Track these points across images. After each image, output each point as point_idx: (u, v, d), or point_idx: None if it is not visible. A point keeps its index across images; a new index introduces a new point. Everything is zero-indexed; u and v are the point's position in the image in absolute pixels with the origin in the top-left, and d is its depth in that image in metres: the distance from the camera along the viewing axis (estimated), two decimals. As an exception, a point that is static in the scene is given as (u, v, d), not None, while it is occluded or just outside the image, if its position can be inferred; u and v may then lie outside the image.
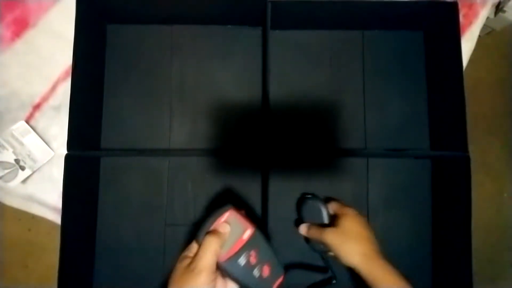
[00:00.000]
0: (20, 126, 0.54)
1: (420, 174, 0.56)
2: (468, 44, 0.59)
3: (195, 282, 0.35)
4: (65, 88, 0.56)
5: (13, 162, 0.54)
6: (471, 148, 0.48)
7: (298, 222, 0.53)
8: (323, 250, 0.50)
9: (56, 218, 0.55)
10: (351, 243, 0.46)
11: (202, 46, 0.56)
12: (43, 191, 0.55)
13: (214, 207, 0.53)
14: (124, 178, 0.54)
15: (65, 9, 0.57)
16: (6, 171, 0.54)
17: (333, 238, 0.47)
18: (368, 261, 0.45)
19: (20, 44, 0.57)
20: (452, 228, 0.51)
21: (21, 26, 0.57)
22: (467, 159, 0.48)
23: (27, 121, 0.55)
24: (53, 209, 0.55)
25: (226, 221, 0.39)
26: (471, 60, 0.59)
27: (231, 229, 0.39)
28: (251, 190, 0.54)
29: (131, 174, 0.54)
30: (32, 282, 1.18)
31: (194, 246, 0.38)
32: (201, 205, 0.54)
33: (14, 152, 0.54)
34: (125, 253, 0.54)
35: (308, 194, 0.52)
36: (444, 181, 0.53)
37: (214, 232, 0.38)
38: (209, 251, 0.36)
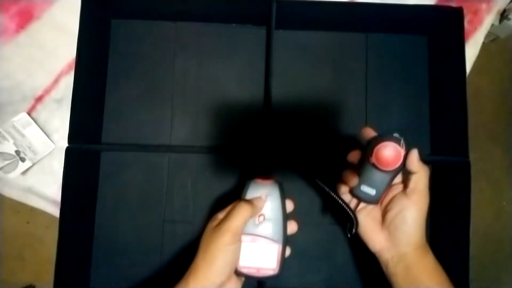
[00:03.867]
0: (21, 117, 0.55)
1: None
2: (472, 51, 0.59)
3: (219, 240, 0.38)
4: (68, 82, 0.56)
5: (14, 153, 0.54)
6: (471, 155, 0.48)
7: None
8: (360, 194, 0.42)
9: (55, 211, 0.55)
10: (420, 214, 0.41)
11: (206, 43, 0.56)
12: (42, 184, 0.55)
13: (213, 205, 0.54)
14: (124, 173, 0.54)
15: (70, 2, 0.57)
16: (6, 162, 0.54)
17: (416, 189, 0.40)
18: (421, 248, 0.41)
19: (24, 36, 0.57)
20: (450, 234, 0.51)
21: (25, 18, 0.57)
22: (467, 164, 0.48)
23: (28, 113, 0.55)
24: (52, 201, 0.55)
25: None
26: (474, 67, 0.59)
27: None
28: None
29: (131, 169, 0.54)
30: (29, 275, 1.19)
31: (226, 209, 0.41)
32: (200, 203, 0.54)
33: (14, 144, 0.54)
34: (123, 248, 0.54)
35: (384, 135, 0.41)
36: (444, 186, 0.53)
37: (250, 202, 0.40)
38: (240, 216, 0.38)
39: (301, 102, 0.56)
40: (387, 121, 0.56)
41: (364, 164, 0.41)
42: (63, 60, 0.57)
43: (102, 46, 0.55)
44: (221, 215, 0.41)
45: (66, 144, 0.48)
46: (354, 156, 0.43)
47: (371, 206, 0.44)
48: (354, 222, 0.42)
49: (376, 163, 0.39)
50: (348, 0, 0.58)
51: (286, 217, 0.41)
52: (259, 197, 0.41)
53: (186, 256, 0.53)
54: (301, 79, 0.56)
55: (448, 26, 0.53)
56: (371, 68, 0.56)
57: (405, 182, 0.42)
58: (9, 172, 0.54)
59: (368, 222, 0.44)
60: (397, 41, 0.57)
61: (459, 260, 0.48)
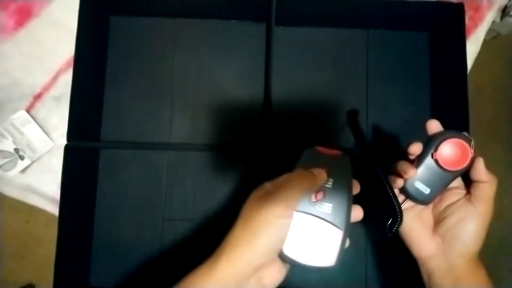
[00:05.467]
0: (20, 115, 0.54)
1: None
2: (473, 47, 0.59)
3: (268, 211, 0.30)
4: (66, 79, 0.56)
5: (13, 151, 0.54)
6: (472, 152, 0.48)
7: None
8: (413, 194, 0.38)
9: (54, 210, 0.55)
10: (484, 225, 0.37)
11: (205, 40, 0.56)
12: (42, 182, 0.55)
13: (213, 203, 0.53)
14: (123, 170, 0.54)
15: (68, 0, 0.57)
16: (6, 160, 0.54)
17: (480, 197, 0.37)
18: (475, 262, 0.37)
19: (22, 34, 0.57)
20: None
21: (24, 16, 0.57)
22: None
23: (27, 111, 0.55)
24: (52, 200, 0.55)
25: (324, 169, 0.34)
26: (475, 64, 0.59)
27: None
28: (251, 187, 0.54)
29: (130, 167, 0.54)
30: (29, 274, 1.18)
31: (277, 179, 0.33)
32: (200, 201, 0.54)
33: (14, 142, 0.54)
34: (123, 246, 0.53)
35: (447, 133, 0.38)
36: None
37: (310, 171, 0.33)
38: (297, 185, 0.31)
39: (302, 99, 0.56)
40: (388, 118, 0.56)
41: (424, 159, 0.37)
42: (62, 58, 0.56)
43: (101, 43, 0.55)
44: (269, 185, 0.33)
45: (65, 142, 0.48)
46: (416, 148, 0.38)
47: (420, 207, 0.40)
48: (399, 218, 0.36)
49: (439, 160, 0.36)
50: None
51: (351, 199, 0.34)
52: (321, 169, 0.34)
53: (186, 254, 0.53)
54: (301, 75, 0.56)
55: (449, 23, 0.52)
56: (372, 64, 0.56)
57: (470, 189, 0.38)
58: (8, 170, 0.54)
59: (416, 224, 0.39)
60: (398, 38, 0.57)
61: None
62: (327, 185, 0.33)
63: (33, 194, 0.55)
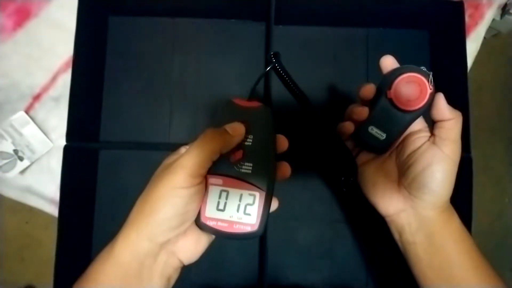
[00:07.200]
0: (19, 116, 0.54)
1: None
2: (473, 45, 0.58)
3: (167, 181, 0.27)
4: (65, 80, 0.55)
5: (12, 152, 0.54)
6: (473, 151, 0.48)
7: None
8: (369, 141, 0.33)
9: (54, 211, 0.54)
10: (453, 168, 0.33)
11: (205, 39, 0.56)
12: (41, 183, 0.55)
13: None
14: (122, 171, 0.54)
15: (67, 0, 0.57)
16: (5, 161, 0.54)
17: (447, 137, 0.32)
18: (447, 212, 0.34)
19: (21, 35, 0.57)
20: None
21: (22, 16, 0.57)
22: (469, 160, 0.47)
23: (26, 112, 0.55)
24: (51, 201, 0.55)
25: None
26: (475, 62, 0.58)
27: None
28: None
29: (130, 167, 0.54)
30: (28, 275, 1.18)
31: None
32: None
33: (13, 143, 0.54)
34: (122, 247, 0.53)
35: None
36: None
37: (221, 129, 0.29)
38: (203, 147, 0.28)
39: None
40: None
41: (378, 101, 0.33)
42: (61, 58, 0.56)
43: (100, 43, 0.55)
44: (183, 149, 0.31)
45: (64, 143, 0.48)
46: (368, 90, 0.34)
47: (382, 159, 0.36)
48: (354, 169, 0.32)
49: (394, 99, 0.32)
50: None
51: (275, 156, 0.31)
52: (236, 124, 0.30)
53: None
54: (301, 75, 0.55)
55: (449, 21, 0.52)
56: (372, 63, 0.56)
57: (433, 131, 0.34)
58: (7, 171, 0.54)
59: (379, 178, 0.35)
60: (398, 36, 0.56)
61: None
62: (246, 143, 0.30)
63: (32, 195, 0.55)
